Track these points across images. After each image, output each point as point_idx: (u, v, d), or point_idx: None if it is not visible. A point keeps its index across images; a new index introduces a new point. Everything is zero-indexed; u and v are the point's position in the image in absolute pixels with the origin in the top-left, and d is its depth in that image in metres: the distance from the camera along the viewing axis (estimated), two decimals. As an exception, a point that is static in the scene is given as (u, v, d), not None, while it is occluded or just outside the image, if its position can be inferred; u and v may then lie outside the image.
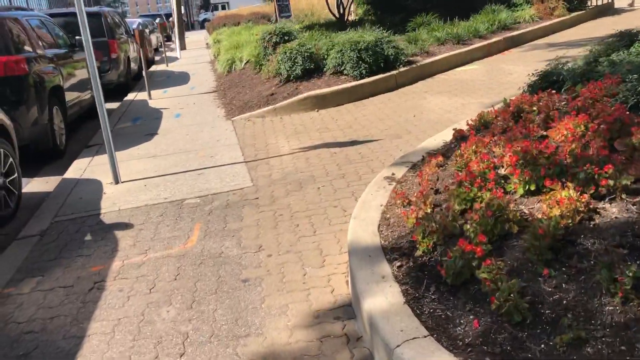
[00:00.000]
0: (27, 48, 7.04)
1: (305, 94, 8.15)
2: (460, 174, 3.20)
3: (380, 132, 6.39)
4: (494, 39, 10.91)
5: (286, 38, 10.27)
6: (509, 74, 8.59)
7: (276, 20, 22.51)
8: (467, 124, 4.57)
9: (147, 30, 21.84)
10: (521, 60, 9.66)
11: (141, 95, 11.40)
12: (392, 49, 8.80)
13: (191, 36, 37.35)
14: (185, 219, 4.47)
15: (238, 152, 6.28)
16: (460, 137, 4.29)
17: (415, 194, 3.40)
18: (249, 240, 3.94)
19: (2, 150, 5.09)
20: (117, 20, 13.69)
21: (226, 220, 4.34)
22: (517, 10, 13.28)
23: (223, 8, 61.45)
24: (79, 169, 6.32)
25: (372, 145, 5.88)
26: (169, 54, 22.91)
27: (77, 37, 9.16)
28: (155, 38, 22.20)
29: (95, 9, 12.42)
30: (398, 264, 2.82)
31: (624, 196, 2.71)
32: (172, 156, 6.43)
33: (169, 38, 32.08)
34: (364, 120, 7.02)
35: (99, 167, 6.26)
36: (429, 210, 3.09)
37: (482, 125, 4.41)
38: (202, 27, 49.22)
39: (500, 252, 2.54)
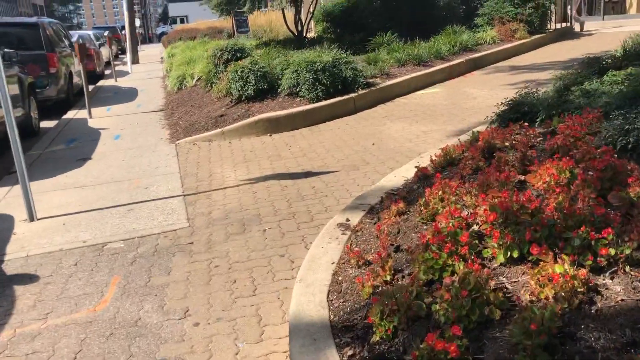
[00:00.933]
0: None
1: (257, 117, 7.54)
2: (425, 232, 2.64)
3: (337, 162, 5.82)
4: (455, 61, 10.56)
5: (239, 55, 9.66)
6: (473, 98, 8.19)
7: (233, 35, 21.91)
8: (431, 160, 4.04)
9: (97, 43, 20.90)
10: (484, 84, 9.31)
11: (82, 113, 10.57)
12: (351, 70, 8.29)
13: (147, 49, 36.40)
14: (102, 269, 3.77)
15: (177, 183, 5.60)
16: (423, 176, 3.75)
17: (372, 252, 2.82)
18: (175, 300, 3.28)
19: None
20: (59, 32, 12.82)
21: (151, 273, 3.66)
22: (479, 32, 13.03)
23: (182, 22, 60.44)
24: (-7, 201, 5.52)
25: (327, 178, 5.30)
26: (120, 68, 22.01)
27: (5, 50, 8.37)
28: (106, 51, 21.22)
29: (33, 19, 11.55)
30: (350, 352, 2.22)
31: (627, 269, 2.19)
32: (102, 187, 5.70)
33: (123, 51, 31.03)
34: (320, 148, 6.45)
35: (17, 199, 5.45)
36: (388, 278, 2.51)
37: (448, 163, 3.89)
38: (160, 41, 48.20)
39: (479, 348, 1.96)
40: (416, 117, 7.42)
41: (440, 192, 3.02)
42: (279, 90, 8.34)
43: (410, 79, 9.24)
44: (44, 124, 10.34)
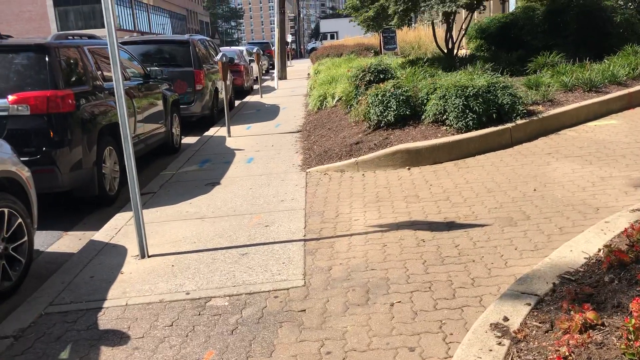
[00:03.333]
0: (80, 81, 6.21)
1: (395, 147, 6.73)
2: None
3: (488, 211, 4.83)
4: (636, 87, 8.90)
5: (382, 76, 8.94)
6: (662, 136, 6.68)
7: (380, 52, 21.37)
8: (626, 234, 2.95)
9: (248, 59, 21.49)
10: (675, 116, 7.66)
11: (222, 131, 10.52)
12: (509, 96, 7.18)
13: (297, 65, 37.29)
14: (198, 336, 3.19)
15: (300, 223, 4.98)
16: (618, 263, 2.69)
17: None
18: (271, 401, 2.57)
19: (6, 210, 4.12)
20: (209, 48, 13.08)
21: (250, 350, 3.01)
22: (664, 52, 11.08)
23: (332, 38, 61.65)
24: (114, 228, 5.30)
25: (476, 234, 4.34)
26: (268, 83, 22.47)
27: (150, 68, 8.44)
28: (257, 67, 21.75)
29: (185, 37, 11.82)
30: None
31: None
32: (222, 220, 5.25)
33: (274, 67, 32.00)
34: (467, 190, 5.48)
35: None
36: None
37: (655, 243, 2.79)
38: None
39: None
40: (589, 156, 6.13)
41: (655, 306, 1.99)
42: (423, 117, 7.46)
43: (579, 108, 7.86)
44: (187, 139, 10.46)
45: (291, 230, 4.83)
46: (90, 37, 7.36)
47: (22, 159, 4.68)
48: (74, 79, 6.09)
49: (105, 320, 3.48)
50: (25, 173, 4.50)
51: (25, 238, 4.33)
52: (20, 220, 4.27)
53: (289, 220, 5.12)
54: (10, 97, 5.46)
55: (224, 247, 4.58)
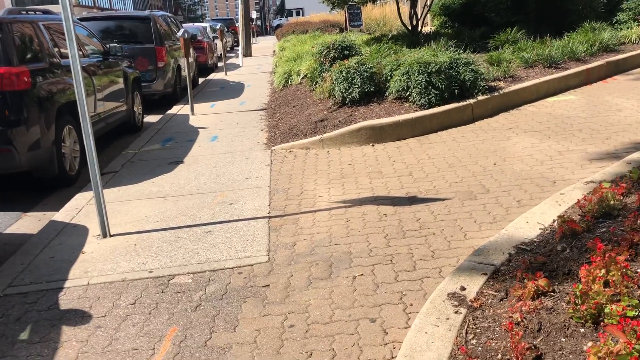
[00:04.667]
0: (36, 58, 6.02)
1: (359, 124, 6.76)
2: (588, 349, 1.73)
3: (449, 185, 4.92)
4: (594, 63, 9.10)
5: (346, 53, 8.93)
6: (618, 110, 6.87)
7: (346, 29, 21.28)
8: (579, 205, 3.05)
9: (211, 36, 21.14)
10: (631, 92, 7.88)
11: (186, 109, 10.38)
12: (471, 72, 7.26)
13: (262, 42, 36.90)
14: (161, 314, 3.19)
15: (264, 200, 4.98)
16: (570, 233, 2.78)
17: (498, 356, 1.96)
18: (234, 375, 2.60)
19: (-40, 191, 4.01)
20: (171, 25, 12.82)
21: (214, 325, 3.02)
22: (622, 30, 11.33)
23: (298, 14, 61.02)
24: (75, 208, 5.21)
25: (436, 208, 4.42)
26: (233, 60, 22.19)
27: (110, 45, 8.24)
28: (220, 44, 21.42)
29: (145, 13, 11.53)
30: None
31: None
32: (185, 199, 5.21)
33: (239, 44, 31.58)
34: (429, 165, 5.56)
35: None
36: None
37: (604, 213, 2.89)
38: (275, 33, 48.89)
39: None
40: (548, 131, 6.28)
41: (602, 272, 2.08)
42: (387, 93, 7.50)
43: (539, 84, 8.01)
44: (149, 118, 10.28)
45: (255, 208, 4.84)
46: (45, 12, 7.12)
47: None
48: (29, 55, 5.91)
49: (67, 300, 3.44)
50: (-21, 153, 4.37)
51: (-18, 219, 4.22)
52: (-25, 201, 4.16)
53: (253, 197, 5.11)
54: (-38, 75, 5.27)
55: (188, 225, 4.56)
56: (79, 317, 3.23)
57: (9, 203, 5.74)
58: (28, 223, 5.28)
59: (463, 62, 7.41)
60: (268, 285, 3.43)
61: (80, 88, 4.16)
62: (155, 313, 3.21)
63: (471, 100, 7.15)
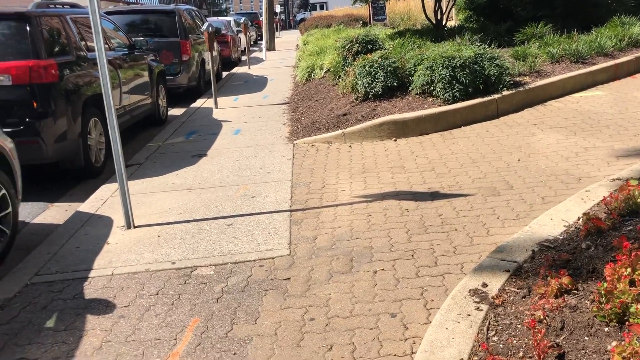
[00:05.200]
0: (64, 51, 6.12)
1: (382, 119, 6.73)
2: (612, 349, 1.71)
3: (472, 181, 4.87)
4: (623, 59, 8.92)
5: (369, 47, 8.90)
6: (646, 107, 6.73)
7: (369, 23, 21.19)
8: (605, 203, 3.01)
9: (235, 30, 21.22)
10: (660, 88, 7.71)
11: (209, 102, 10.45)
12: (495, 67, 7.17)
13: (286, 36, 36.88)
14: (183, 305, 3.23)
15: (286, 194, 5.00)
16: (595, 231, 2.74)
17: (520, 355, 1.94)
18: (254, 366, 2.63)
19: (-12, 181, 4.10)
20: (196, 19, 12.90)
21: (235, 317, 3.05)
22: (652, 24, 11.08)
23: (322, 8, 60.90)
24: (100, 199, 5.29)
25: (459, 203, 4.39)
26: (256, 54, 22.25)
27: (135, 39, 8.33)
28: (244, 38, 21.51)
29: (170, 7, 11.62)
30: None
31: None
32: (208, 191, 5.26)
33: (262, 37, 31.65)
34: (452, 160, 5.52)
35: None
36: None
37: (631, 211, 2.84)
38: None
39: None
40: (574, 127, 6.18)
41: (628, 271, 2.05)
42: (410, 88, 7.45)
43: (566, 79, 7.88)
44: (173, 111, 10.38)
45: (277, 201, 4.86)
46: (73, 5, 7.22)
47: (5, 130, 4.64)
48: (56, 48, 6.00)
49: (91, 290, 3.50)
50: (8, 144, 4.46)
51: (10, 209, 4.31)
52: (3, 191, 4.25)
53: (275, 191, 5.14)
54: (-8, 67, 5.38)
55: (210, 217, 4.60)
56: (103, 306, 3.29)
57: (37, 194, 5.85)
58: (54, 213, 5.38)
59: (488, 56, 7.32)
60: (289, 279, 3.45)
61: (106, 81, 4.22)
62: (178, 304, 3.25)
63: (496, 96, 7.07)
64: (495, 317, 2.35)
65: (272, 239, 4.06)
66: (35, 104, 5.51)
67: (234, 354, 2.73)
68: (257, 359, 2.68)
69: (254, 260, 3.74)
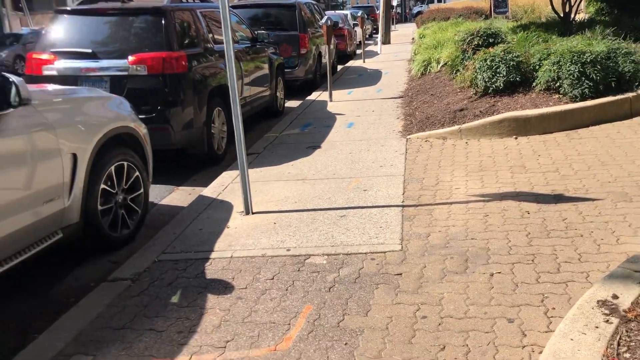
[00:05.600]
0: (193, 43, 6.48)
1: (502, 115, 6.47)
2: None
3: (600, 185, 4.56)
4: None
5: (491, 40, 8.58)
6: None
7: (490, 16, 20.40)
8: None
9: (352, 23, 21.35)
10: None
11: (324, 95, 10.62)
12: (631, 63, 6.63)
13: (401, 29, 36.52)
14: (297, 291, 3.32)
15: (399, 189, 4.96)
16: None
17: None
18: (366, 358, 2.64)
19: (126, 163, 4.45)
20: (314, 12, 13.13)
21: (347, 308, 3.09)
22: None
23: (439, 1, 59.54)
24: (221, 185, 5.57)
25: (585, 208, 4.13)
26: (371, 48, 22.25)
27: (258, 32, 8.63)
28: (360, 31, 21.58)
29: (291, 0, 11.89)
30: None
31: None
32: (321, 182, 5.35)
33: (378, 31, 31.55)
34: (578, 162, 5.19)
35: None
36: None
37: None
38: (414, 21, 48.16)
39: None
40: None
41: None
42: (534, 84, 7.09)
43: None
44: (289, 103, 10.66)
45: (389, 196, 4.84)
46: (203, 0, 7.62)
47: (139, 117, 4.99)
48: (187, 41, 6.37)
49: (212, 270, 3.70)
50: (142, 130, 4.81)
51: (142, 190, 4.65)
52: (137, 173, 4.59)
53: (387, 185, 5.12)
54: (130, 58, 5.82)
55: (323, 208, 4.68)
56: (223, 287, 3.46)
57: (165, 177, 6.25)
58: (179, 196, 5.73)
59: (622, 52, 6.79)
60: (401, 274, 3.42)
61: (232, 73, 4.42)
62: (292, 290, 3.34)
63: (630, 94, 6.54)
64: (627, 332, 2.18)
65: (384, 233, 4.05)
66: (166, 93, 5.88)
67: (345, 344, 2.76)
68: (368, 351, 2.69)
69: (365, 253, 3.76)
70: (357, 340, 2.78)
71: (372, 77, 12.96)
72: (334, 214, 4.51)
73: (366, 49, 19.26)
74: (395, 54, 18.38)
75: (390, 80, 12.11)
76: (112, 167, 4.27)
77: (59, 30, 6.35)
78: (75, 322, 3.16)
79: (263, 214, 4.66)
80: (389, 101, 9.53)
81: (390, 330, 2.85)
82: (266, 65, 8.78)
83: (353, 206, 4.66)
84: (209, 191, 5.41)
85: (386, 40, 22.90)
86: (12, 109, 3.33)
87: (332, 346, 2.75)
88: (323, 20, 9.92)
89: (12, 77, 3.29)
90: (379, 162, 5.90)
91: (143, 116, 5.57)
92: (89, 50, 5.96)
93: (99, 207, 4.11)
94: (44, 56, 6.11)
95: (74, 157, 3.84)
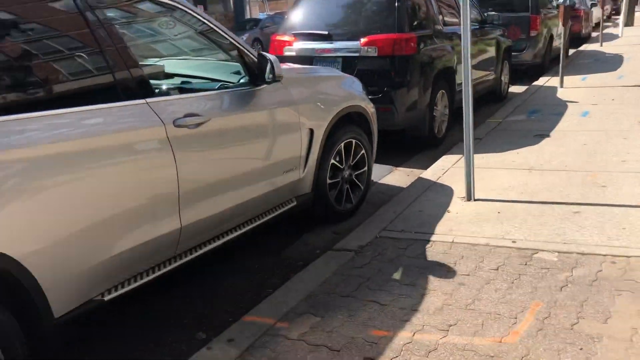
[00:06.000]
0: (423, 25, 6.45)
1: None
2: None
3: None
4: None
5: None
6: None
7: None
8: None
9: (589, 3, 19.41)
10: None
11: (553, 81, 9.86)
12: None
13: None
14: (524, 285, 3.14)
15: (646, 188, 4.40)
16: None
17: None
18: (604, 369, 2.40)
19: (354, 141, 4.63)
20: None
21: (582, 311, 2.83)
22: None
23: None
24: (441, 168, 5.51)
25: None
26: (610, 30, 20.02)
27: (487, 13, 8.31)
28: (598, 12, 19.52)
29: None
30: None
31: None
32: (550, 174, 4.98)
33: (618, 12, 28.24)
34: None
35: (462, 170, 5.29)
36: None
37: None
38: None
39: None
40: None
41: None
42: None
43: None
44: (512, 88, 10.11)
45: (634, 195, 4.31)
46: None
47: (368, 96, 5.14)
48: (417, 22, 6.37)
49: (432, 253, 3.68)
50: (370, 109, 4.94)
51: (365, 168, 4.81)
52: (363, 151, 4.75)
53: (631, 183, 4.57)
54: (362, 40, 6.01)
55: (553, 202, 4.35)
56: (444, 270, 3.42)
57: (384, 157, 6.38)
58: (397, 177, 5.82)
59: None
60: (649, 283, 3.03)
61: (466, 56, 4.30)
62: (518, 284, 3.18)
63: None
64: None
65: (627, 236, 3.62)
66: (393, 74, 5.97)
67: (580, 349, 2.54)
68: (606, 362, 2.44)
69: (604, 255, 3.41)
70: (594, 348, 2.54)
71: (611, 62, 11.67)
72: (566, 209, 4.17)
73: (604, 31, 17.37)
74: (640, 37, 16.28)
75: (633, 66, 10.78)
76: (342, 144, 4.47)
77: (298, 14, 6.82)
78: (305, 284, 3.39)
79: (485, 201, 4.49)
80: (632, 89, 8.49)
81: (635, 343, 2.54)
82: (493, 48, 8.41)
83: (589, 203, 4.25)
84: (429, 174, 5.39)
85: (629, 22, 20.38)
86: (265, 85, 3.67)
87: (564, 348, 2.55)
88: (560, 0, 9.15)
89: (269, 56, 3.61)
90: (620, 156, 5.29)
91: (370, 96, 5.76)
92: (325, 32, 6.30)
93: (328, 181, 4.35)
94: (286, 37, 6.62)
95: (311, 132, 4.10)
